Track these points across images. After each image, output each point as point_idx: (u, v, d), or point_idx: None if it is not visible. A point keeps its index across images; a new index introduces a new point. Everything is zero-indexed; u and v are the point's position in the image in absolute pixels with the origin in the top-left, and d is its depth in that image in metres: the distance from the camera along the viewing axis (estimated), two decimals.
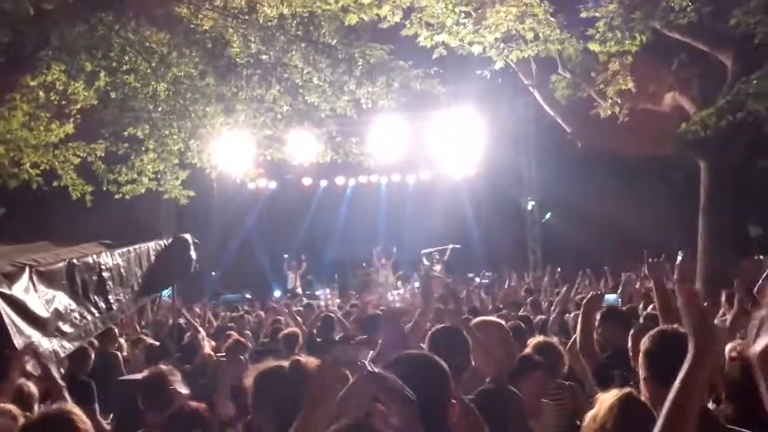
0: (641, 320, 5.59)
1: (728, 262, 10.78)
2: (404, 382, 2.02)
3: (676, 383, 1.79)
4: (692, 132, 10.28)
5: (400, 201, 21.74)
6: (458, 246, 18.42)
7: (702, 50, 10.99)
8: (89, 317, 5.91)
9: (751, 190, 12.56)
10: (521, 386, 3.47)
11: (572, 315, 6.68)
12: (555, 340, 4.98)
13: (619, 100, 10.99)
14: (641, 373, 2.70)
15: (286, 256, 20.06)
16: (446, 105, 13.43)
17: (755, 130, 9.94)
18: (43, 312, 5.19)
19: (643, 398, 2.54)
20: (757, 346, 1.67)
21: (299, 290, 18.83)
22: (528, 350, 4.48)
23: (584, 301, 4.34)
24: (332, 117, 10.64)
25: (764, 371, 1.67)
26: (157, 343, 8.50)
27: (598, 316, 4.60)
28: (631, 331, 3.87)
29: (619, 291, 8.89)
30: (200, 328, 8.17)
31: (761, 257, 13.31)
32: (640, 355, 2.73)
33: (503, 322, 4.35)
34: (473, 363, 3.36)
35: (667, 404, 1.79)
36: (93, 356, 6.58)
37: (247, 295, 18.33)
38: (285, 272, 19.84)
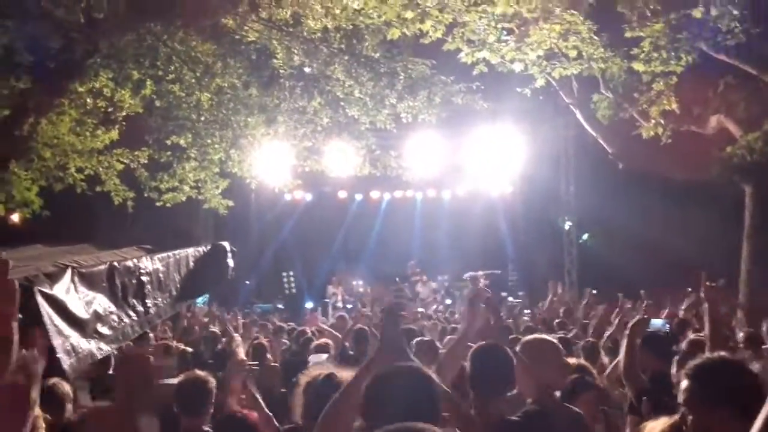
0: (683, 346, 5.46)
1: None
2: (392, 395, 1.98)
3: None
4: (737, 156, 10.08)
5: (435, 217, 21.67)
6: (498, 272, 18.26)
7: (749, 72, 10.77)
8: (127, 320, 5.99)
9: None
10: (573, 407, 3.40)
11: (606, 338, 6.54)
12: (586, 363, 4.90)
13: (662, 121, 10.82)
14: (684, 397, 2.63)
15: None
16: (485, 122, 13.39)
17: None
18: (82, 313, 5.26)
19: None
20: None
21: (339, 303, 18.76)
22: None
23: (630, 324, 4.25)
24: (372, 130, 10.68)
25: None
26: (191, 350, 8.58)
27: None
28: (676, 357, 3.78)
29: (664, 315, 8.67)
30: (236, 335, 8.21)
31: None
32: (686, 380, 2.65)
33: (554, 340, 4.26)
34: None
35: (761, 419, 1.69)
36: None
37: (279, 305, 18.42)
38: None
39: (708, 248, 15.20)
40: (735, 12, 8.89)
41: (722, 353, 3.09)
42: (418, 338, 6.59)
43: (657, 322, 6.76)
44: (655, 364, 4.61)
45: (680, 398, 2.59)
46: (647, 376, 4.34)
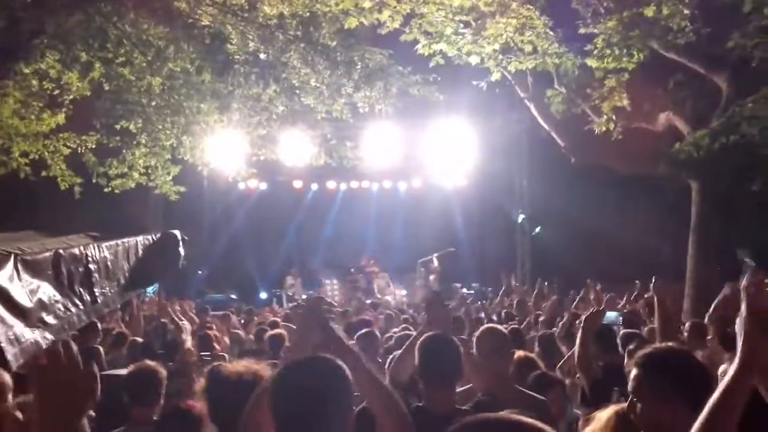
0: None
1: (715, 283, 10.81)
2: (300, 388, 1.95)
3: (720, 388, 1.82)
4: (685, 152, 10.32)
5: (390, 208, 21.72)
6: (453, 249, 18.44)
7: (698, 71, 11.06)
8: (73, 309, 5.81)
9: (741, 213, 12.64)
10: None
11: (560, 328, 6.65)
12: (534, 354, 4.98)
13: (614, 117, 11.02)
14: (633, 386, 2.69)
15: None
16: (441, 114, 13.45)
17: (748, 153, 9.99)
18: (26, 302, 5.09)
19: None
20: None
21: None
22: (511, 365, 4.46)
23: (584, 317, 4.32)
24: (328, 120, 10.60)
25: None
26: (141, 340, 8.42)
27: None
28: (629, 348, 3.86)
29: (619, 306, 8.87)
30: (185, 326, 8.08)
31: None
32: (634, 369, 2.71)
33: (501, 328, 4.30)
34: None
35: (708, 407, 1.81)
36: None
37: (232, 296, 18.22)
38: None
39: (656, 241, 15.64)
40: (686, 11, 9.10)
41: (670, 343, 3.16)
42: (361, 331, 6.60)
43: (611, 315, 6.91)
44: (608, 356, 4.74)
45: (629, 387, 2.64)
46: (600, 367, 4.44)
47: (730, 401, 1.80)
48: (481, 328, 4.08)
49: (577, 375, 4.48)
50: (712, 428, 1.81)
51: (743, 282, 1.93)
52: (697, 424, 1.83)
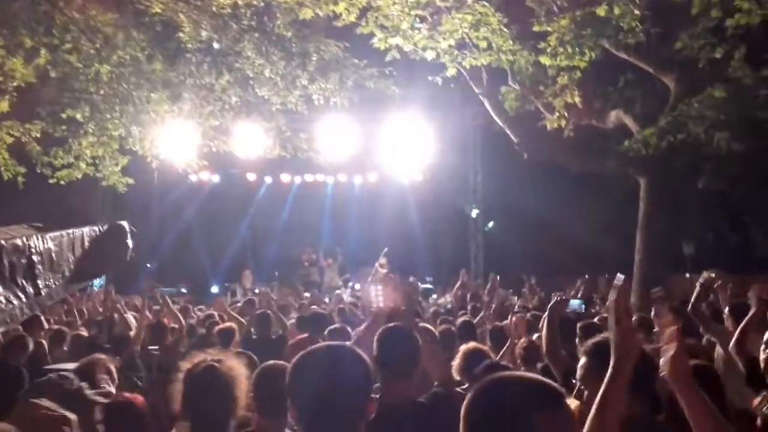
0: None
1: (662, 277, 11.10)
2: (320, 374, 1.94)
3: (601, 390, 2.02)
4: (634, 150, 10.55)
5: (345, 201, 21.69)
6: (386, 249, 18.51)
7: (647, 71, 11.32)
8: (16, 302, 5.62)
9: (687, 209, 13.01)
10: None
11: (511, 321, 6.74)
12: (486, 347, 5.03)
13: (565, 114, 11.18)
14: (581, 374, 2.76)
15: None
16: (397, 108, 13.45)
17: (694, 151, 10.28)
18: None
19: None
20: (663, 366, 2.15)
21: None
22: (458, 357, 4.50)
23: (549, 306, 4.37)
24: (282, 111, 10.48)
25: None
26: (85, 334, 8.21)
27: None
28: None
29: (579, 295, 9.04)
30: (132, 320, 7.94)
31: (691, 275, 13.79)
32: (583, 358, 2.78)
33: (432, 328, 4.34)
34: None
35: (593, 409, 1.99)
36: (30, 345, 6.42)
37: (183, 290, 17.93)
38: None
39: (605, 236, 15.98)
40: (636, 12, 9.26)
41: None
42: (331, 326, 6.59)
43: (575, 303, 7.02)
44: (568, 345, 4.82)
45: (578, 374, 2.70)
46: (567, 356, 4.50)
47: (609, 405, 1.98)
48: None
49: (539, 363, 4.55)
50: (601, 420, 1.96)
51: (611, 295, 2.12)
52: (589, 420, 1.98)
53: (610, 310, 2.09)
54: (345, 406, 1.92)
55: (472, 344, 4.72)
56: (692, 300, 5.86)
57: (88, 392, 3.35)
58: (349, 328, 6.37)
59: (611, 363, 2.04)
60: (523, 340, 5.30)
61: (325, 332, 6.40)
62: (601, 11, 9.10)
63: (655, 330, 7.11)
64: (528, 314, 7.06)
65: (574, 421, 1.65)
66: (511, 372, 1.72)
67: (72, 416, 3.28)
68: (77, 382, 3.41)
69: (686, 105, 9.85)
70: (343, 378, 1.94)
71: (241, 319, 8.66)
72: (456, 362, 4.39)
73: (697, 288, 5.81)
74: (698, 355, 4.31)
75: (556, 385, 1.63)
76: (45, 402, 3.25)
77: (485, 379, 1.60)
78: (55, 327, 8.28)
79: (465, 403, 1.60)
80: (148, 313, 9.55)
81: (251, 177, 20.36)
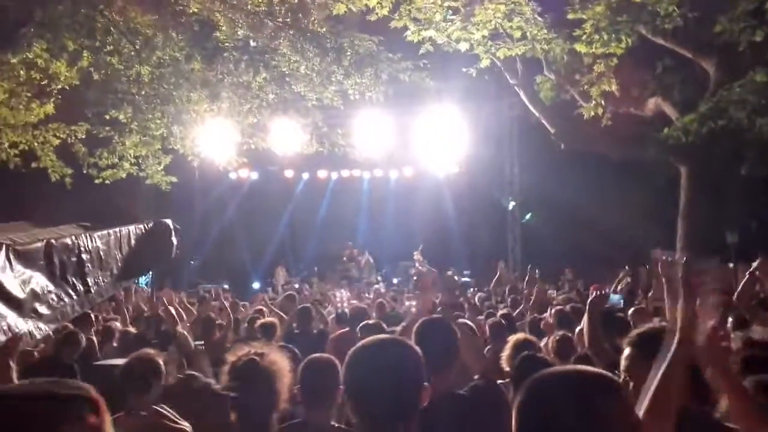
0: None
1: (704, 267, 10.90)
2: (377, 367, 2.00)
3: (663, 365, 2.05)
4: (674, 137, 10.37)
5: (381, 196, 21.75)
6: (421, 246, 18.55)
7: (686, 56, 11.11)
8: (67, 299, 5.81)
9: (730, 196, 12.71)
10: None
11: (551, 314, 6.73)
12: (534, 338, 5.05)
13: (602, 102, 11.06)
14: (626, 365, 2.74)
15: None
16: (432, 102, 13.44)
17: (736, 137, 10.06)
18: (19, 292, 5.08)
19: None
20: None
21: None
22: (508, 348, 4.52)
23: (589, 300, 4.36)
24: (318, 107, 10.59)
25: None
26: (134, 330, 8.43)
27: None
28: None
29: (620, 289, 8.96)
30: (179, 315, 8.11)
31: (733, 264, 13.48)
32: (628, 348, 2.76)
33: (472, 324, 4.36)
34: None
35: (654, 384, 2.02)
36: (83, 343, 6.58)
37: (225, 286, 18.21)
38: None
39: (646, 225, 15.72)
40: None
41: (664, 323, 3.21)
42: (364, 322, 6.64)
43: (614, 297, 6.99)
44: (611, 338, 4.82)
45: (622, 365, 2.67)
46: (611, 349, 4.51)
47: (669, 387, 2.03)
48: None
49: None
50: (659, 399, 1.98)
51: (675, 273, 2.16)
52: (647, 398, 2.01)
53: (671, 289, 2.15)
54: (402, 397, 1.98)
55: (521, 335, 4.72)
56: (738, 290, 5.74)
57: (215, 387, 3.43)
58: (384, 324, 6.41)
59: (675, 343, 2.07)
60: (556, 333, 5.30)
61: (357, 329, 6.42)
62: None
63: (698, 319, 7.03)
64: (567, 306, 7.04)
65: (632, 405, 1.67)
66: (562, 367, 1.72)
67: (188, 428, 3.40)
68: (203, 380, 3.50)
69: (727, 90, 9.65)
70: (398, 370, 2.00)
71: (282, 314, 8.81)
72: (505, 353, 4.41)
73: (746, 277, 5.68)
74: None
75: (607, 372, 1.63)
76: (166, 411, 3.36)
77: (535, 377, 1.58)
78: (105, 324, 8.52)
79: (518, 403, 1.56)
80: (192, 309, 9.79)
81: (289, 174, 20.57)
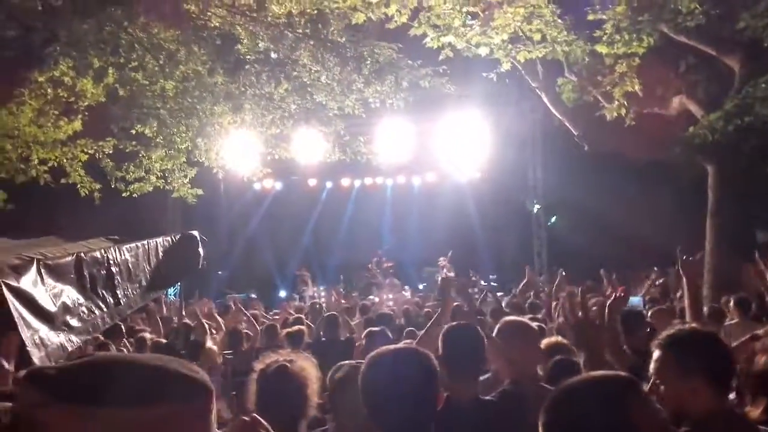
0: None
1: (734, 267, 10.73)
2: (393, 376, 2.03)
3: None
4: (699, 136, 10.24)
5: (405, 203, 21.76)
6: (450, 252, 18.46)
7: (709, 54, 10.97)
8: (97, 312, 5.91)
9: (759, 195, 12.51)
10: None
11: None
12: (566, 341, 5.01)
13: (625, 103, 10.96)
14: (656, 367, 2.69)
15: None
16: (453, 107, 13.43)
17: (763, 134, 9.90)
18: (50, 305, 5.18)
19: None
20: None
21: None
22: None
23: (608, 303, 4.33)
24: (340, 116, 10.65)
25: None
26: (164, 341, 8.54)
27: None
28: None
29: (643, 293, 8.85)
30: (208, 326, 8.21)
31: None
32: (657, 351, 2.72)
33: (530, 323, 4.31)
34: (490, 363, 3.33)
35: None
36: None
37: (252, 295, 18.35)
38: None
39: (672, 226, 15.51)
40: None
41: (693, 324, 3.17)
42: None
43: (633, 300, 6.93)
44: (633, 340, 4.79)
45: (652, 368, 2.64)
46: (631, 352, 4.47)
47: None
48: (507, 318, 4.08)
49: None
50: None
51: None
52: None
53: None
54: (417, 405, 2.01)
55: (554, 338, 4.69)
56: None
57: None
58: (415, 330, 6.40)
59: None
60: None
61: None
62: None
63: (728, 321, 6.93)
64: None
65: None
66: (584, 375, 1.74)
67: None
68: None
69: (752, 86, 9.51)
70: (412, 379, 2.03)
71: (309, 323, 8.88)
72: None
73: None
74: None
75: (625, 374, 1.67)
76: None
77: (558, 388, 1.62)
78: (138, 334, 8.66)
79: (542, 417, 1.59)
80: (220, 318, 9.89)
81: (312, 183, 20.70)
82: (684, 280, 4.29)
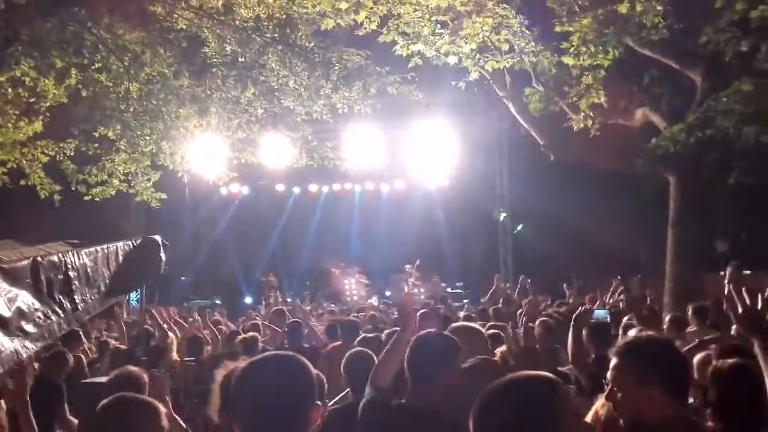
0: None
1: (694, 276, 10.94)
2: (261, 384, 1.97)
3: None
4: (662, 147, 10.44)
5: (373, 210, 21.75)
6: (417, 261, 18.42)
7: (672, 67, 11.19)
8: (53, 317, 5.74)
9: (719, 205, 12.80)
10: None
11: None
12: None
13: (591, 114, 11.11)
14: (612, 375, 2.73)
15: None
16: (421, 115, 13.47)
17: (724, 146, 10.12)
18: (5, 311, 5.01)
19: None
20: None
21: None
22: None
23: (575, 315, 4.40)
24: (308, 121, 10.60)
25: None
26: (124, 347, 8.39)
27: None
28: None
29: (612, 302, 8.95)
30: (170, 332, 8.08)
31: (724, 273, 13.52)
32: (614, 358, 2.75)
33: (481, 328, 4.36)
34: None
35: None
36: (70, 361, 6.60)
37: (217, 301, 18.15)
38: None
39: (636, 236, 15.78)
40: (659, 8, 9.19)
41: (649, 332, 3.22)
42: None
43: (600, 312, 7.01)
44: (599, 350, 4.88)
45: (609, 376, 2.66)
46: (593, 360, 4.54)
47: None
48: (456, 324, 4.13)
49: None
50: None
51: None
52: None
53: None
54: (287, 414, 1.94)
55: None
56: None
57: None
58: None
59: None
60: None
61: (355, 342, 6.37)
62: (622, 8, 9.05)
63: (688, 329, 7.05)
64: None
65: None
66: (510, 375, 1.82)
67: None
68: None
69: (714, 100, 9.73)
70: (283, 388, 1.96)
71: (276, 328, 8.80)
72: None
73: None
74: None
75: (545, 374, 1.79)
76: None
77: (491, 386, 1.72)
78: (101, 340, 8.50)
79: (475, 410, 1.69)
80: (183, 323, 9.74)
81: (280, 188, 20.56)
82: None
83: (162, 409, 2.40)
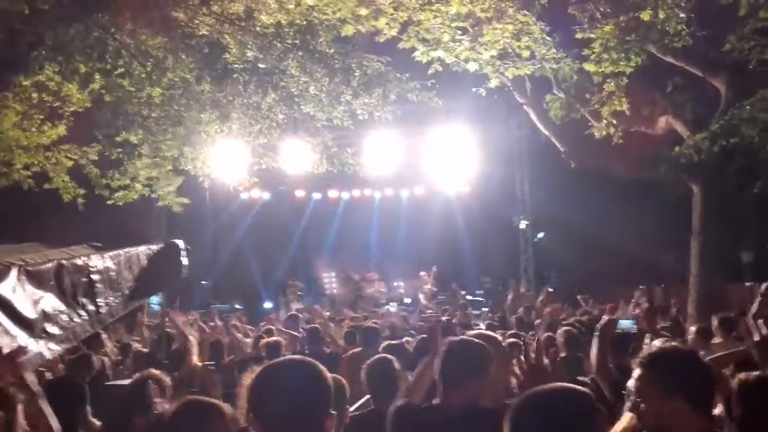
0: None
1: (719, 286, 10.79)
2: (283, 391, 1.96)
3: None
4: (685, 156, 10.32)
5: (393, 216, 21.75)
6: (434, 268, 18.44)
7: (696, 74, 11.07)
8: (77, 320, 5.83)
9: (744, 215, 12.62)
10: None
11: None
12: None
13: (613, 122, 11.03)
14: (637, 386, 2.71)
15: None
16: (441, 121, 13.46)
17: (748, 155, 9.98)
18: (30, 313, 5.11)
19: None
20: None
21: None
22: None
23: (600, 326, 4.35)
24: (328, 127, 10.63)
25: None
26: (146, 350, 8.46)
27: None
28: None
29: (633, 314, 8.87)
30: (190, 336, 8.12)
31: (751, 284, 13.33)
32: (638, 369, 2.73)
33: (499, 336, 4.33)
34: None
35: None
36: (96, 365, 6.69)
37: (237, 306, 18.24)
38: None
39: (659, 244, 15.61)
40: (682, 15, 9.10)
41: (674, 343, 3.17)
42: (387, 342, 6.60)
43: (625, 323, 6.94)
44: (617, 360, 4.83)
45: (632, 386, 2.63)
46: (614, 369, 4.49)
47: None
48: (473, 332, 4.11)
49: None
50: None
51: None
52: None
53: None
54: (303, 419, 1.94)
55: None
56: (752, 311, 5.64)
57: None
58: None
59: None
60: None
61: (380, 347, 6.38)
62: (645, 16, 8.97)
63: (713, 341, 6.94)
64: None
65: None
66: (548, 385, 1.88)
67: None
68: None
69: (738, 108, 9.60)
70: (299, 392, 1.97)
71: (293, 333, 8.82)
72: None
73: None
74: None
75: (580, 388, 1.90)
76: None
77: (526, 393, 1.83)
78: (122, 342, 8.58)
79: (510, 415, 1.78)
80: (205, 327, 9.79)
81: (300, 194, 20.66)
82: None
83: (229, 410, 2.42)
